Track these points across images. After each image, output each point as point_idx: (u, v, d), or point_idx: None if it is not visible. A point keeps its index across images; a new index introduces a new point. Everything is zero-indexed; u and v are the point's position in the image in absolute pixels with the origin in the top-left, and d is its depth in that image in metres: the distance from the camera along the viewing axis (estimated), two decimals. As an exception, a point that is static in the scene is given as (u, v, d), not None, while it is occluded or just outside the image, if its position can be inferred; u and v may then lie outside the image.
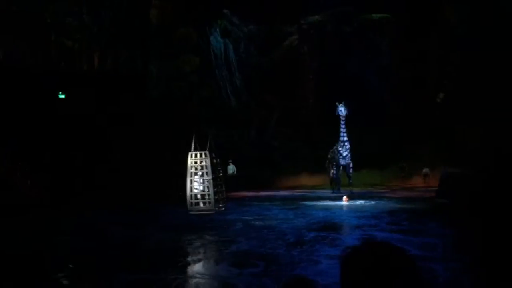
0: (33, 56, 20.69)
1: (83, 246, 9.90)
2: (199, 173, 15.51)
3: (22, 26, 20.08)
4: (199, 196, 15.44)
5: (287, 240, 9.81)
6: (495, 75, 13.91)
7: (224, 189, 16.53)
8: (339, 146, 19.94)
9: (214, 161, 15.98)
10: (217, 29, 32.05)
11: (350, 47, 30.76)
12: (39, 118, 18.18)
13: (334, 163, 20.22)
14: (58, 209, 15.22)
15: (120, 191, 16.84)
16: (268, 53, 32.69)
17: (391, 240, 8.42)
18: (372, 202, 16.70)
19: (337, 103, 19.77)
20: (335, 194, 19.28)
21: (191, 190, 15.34)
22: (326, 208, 15.40)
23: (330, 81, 28.54)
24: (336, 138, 20.08)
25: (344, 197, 17.29)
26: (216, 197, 15.47)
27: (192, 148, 15.64)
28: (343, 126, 19.76)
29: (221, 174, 16.66)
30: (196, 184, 15.50)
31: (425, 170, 23.34)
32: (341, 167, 20.03)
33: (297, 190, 23.09)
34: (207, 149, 15.65)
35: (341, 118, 19.61)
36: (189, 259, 8.48)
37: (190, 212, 14.88)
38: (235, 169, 24.22)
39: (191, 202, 15.28)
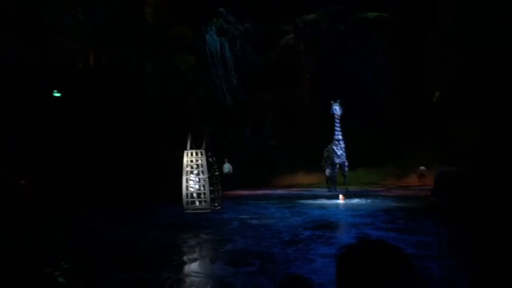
0: (29, 55, 20.60)
1: (78, 245, 9.91)
2: (195, 171, 15.54)
3: (18, 25, 19.99)
4: (195, 194, 15.47)
5: (283, 238, 9.80)
6: (491, 75, 13.93)
7: (220, 187, 16.56)
8: (333, 145, 19.91)
9: (210, 159, 16.01)
10: (213, 28, 32.01)
11: (346, 46, 30.80)
12: (34, 116, 18.11)
13: (329, 162, 20.21)
14: (53, 208, 15.19)
15: (115, 189, 16.82)
16: (264, 51, 32.70)
17: (386, 238, 8.41)
18: (368, 201, 16.74)
19: (332, 102, 19.75)
20: (331, 193, 19.30)
21: (187, 189, 15.36)
22: (322, 207, 15.41)
23: (326, 79, 28.59)
24: (331, 137, 20.08)
25: (341, 196, 17.32)
26: (212, 196, 15.51)
27: (188, 146, 15.66)
28: (337, 124, 19.72)
29: (217, 173, 16.69)
30: (192, 182, 15.52)
31: (421, 168, 23.36)
32: (337, 166, 20.02)
33: (294, 189, 23.11)
34: (203, 147, 15.67)
35: (336, 116, 19.57)
36: (184, 258, 8.46)
37: (185, 211, 14.90)
38: (231, 168, 24.22)
39: (187, 201, 15.31)
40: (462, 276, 6.75)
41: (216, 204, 15.65)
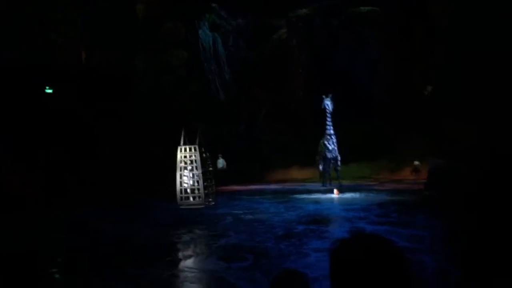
0: (20, 51, 20.40)
1: (76, 243, 9.92)
2: (189, 167, 15.52)
3: (9, 22, 19.79)
4: (188, 190, 15.47)
5: (277, 233, 9.82)
6: (486, 72, 13.93)
7: (213, 183, 16.55)
8: (325, 140, 19.91)
9: (204, 155, 15.99)
10: (206, 23, 31.89)
11: (339, 40, 30.78)
12: (27, 113, 17.96)
13: (322, 157, 20.24)
14: (51, 206, 15.14)
15: (109, 186, 16.74)
16: (257, 46, 32.61)
17: (380, 232, 8.46)
18: (362, 195, 16.79)
19: (323, 96, 19.75)
20: (325, 188, 19.34)
21: (180, 185, 15.35)
22: (316, 201, 15.45)
23: (319, 74, 28.57)
24: (323, 132, 20.08)
25: (335, 190, 17.36)
26: (206, 191, 15.51)
27: (181, 142, 15.63)
28: (329, 119, 19.73)
29: (210, 169, 16.69)
30: (186, 178, 15.51)
31: (416, 163, 23.36)
32: (331, 161, 20.03)
33: (288, 184, 23.13)
34: (197, 143, 15.65)
35: (327, 111, 19.58)
36: (178, 253, 8.48)
37: (180, 207, 14.89)
38: (225, 163, 24.21)
39: (181, 197, 15.31)
40: (455, 269, 6.80)
41: (210, 200, 15.66)
